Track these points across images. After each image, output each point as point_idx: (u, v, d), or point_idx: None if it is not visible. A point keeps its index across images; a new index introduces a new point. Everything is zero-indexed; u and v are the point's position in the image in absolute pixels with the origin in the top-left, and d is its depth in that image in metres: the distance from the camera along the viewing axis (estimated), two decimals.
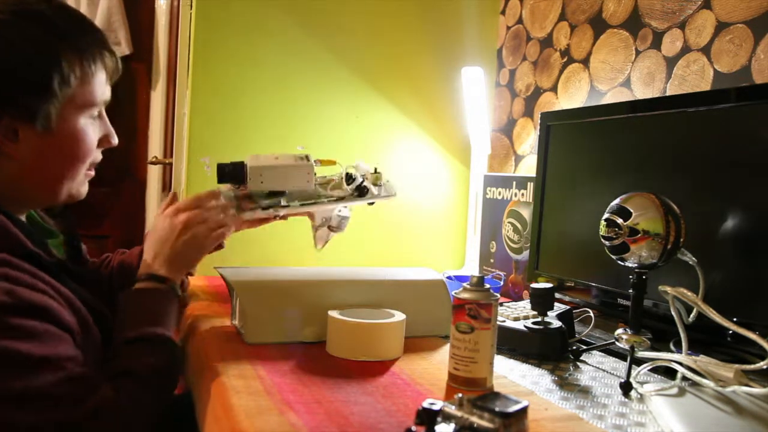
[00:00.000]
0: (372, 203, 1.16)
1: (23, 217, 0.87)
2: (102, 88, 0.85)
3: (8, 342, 0.66)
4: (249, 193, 1.10)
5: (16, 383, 0.66)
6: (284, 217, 1.11)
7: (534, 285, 0.98)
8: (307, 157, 1.11)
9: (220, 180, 1.08)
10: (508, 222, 1.47)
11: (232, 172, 1.08)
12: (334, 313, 0.89)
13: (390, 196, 1.17)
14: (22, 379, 0.66)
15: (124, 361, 0.79)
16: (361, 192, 1.15)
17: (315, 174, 1.11)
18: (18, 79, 0.77)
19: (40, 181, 0.83)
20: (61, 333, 0.72)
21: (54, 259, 0.82)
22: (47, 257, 0.80)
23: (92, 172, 0.89)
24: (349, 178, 1.16)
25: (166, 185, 2.10)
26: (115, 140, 0.90)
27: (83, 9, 2.22)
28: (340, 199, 1.13)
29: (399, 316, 0.91)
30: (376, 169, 1.17)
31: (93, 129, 0.86)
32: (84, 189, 0.89)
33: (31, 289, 0.71)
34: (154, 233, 0.95)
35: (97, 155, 0.88)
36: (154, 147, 2.14)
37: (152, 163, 2.03)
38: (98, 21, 2.16)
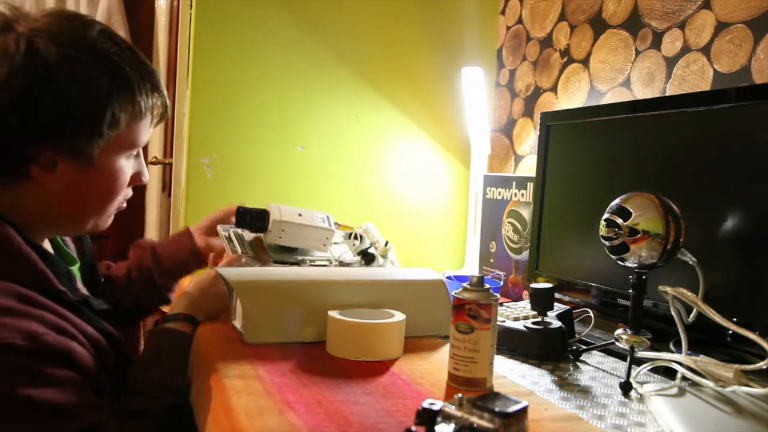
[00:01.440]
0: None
1: (47, 243, 0.87)
2: (147, 131, 0.85)
3: (29, 389, 0.66)
4: (259, 238, 1.10)
5: (31, 430, 0.67)
6: None
7: (534, 285, 0.98)
8: (328, 219, 1.11)
9: (239, 224, 1.09)
10: (508, 222, 1.47)
11: (253, 221, 1.08)
12: (334, 313, 0.89)
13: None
14: (37, 426, 0.67)
15: (145, 401, 0.81)
16: (367, 259, 1.16)
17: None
18: (71, 116, 0.75)
19: (69, 212, 0.83)
20: (80, 379, 0.72)
21: (78, 297, 0.81)
22: (72, 296, 0.79)
23: (124, 204, 0.89)
24: (356, 238, 1.17)
25: (166, 185, 2.10)
26: (146, 178, 0.89)
27: (83, 9, 2.22)
28: (347, 265, 1.14)
29: (399, 316, 0.91)
30: (387, 242, 1.18)
31: (128, 167, 0.85)
32: (109, 222, 0.88)
33: (56, 331, 0.71)
34: (201, 283, 1.00)
35: (128, 191, 0.88)
36: (154, 147, 2.14)
37: (152, 163, 2.03)
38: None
